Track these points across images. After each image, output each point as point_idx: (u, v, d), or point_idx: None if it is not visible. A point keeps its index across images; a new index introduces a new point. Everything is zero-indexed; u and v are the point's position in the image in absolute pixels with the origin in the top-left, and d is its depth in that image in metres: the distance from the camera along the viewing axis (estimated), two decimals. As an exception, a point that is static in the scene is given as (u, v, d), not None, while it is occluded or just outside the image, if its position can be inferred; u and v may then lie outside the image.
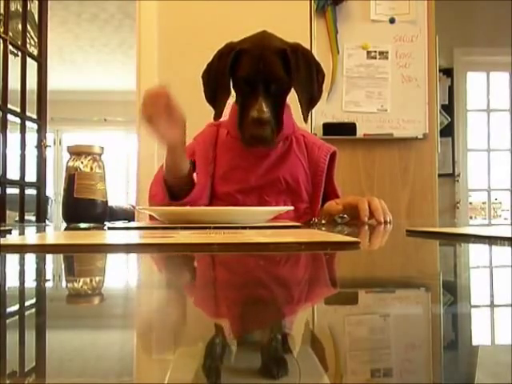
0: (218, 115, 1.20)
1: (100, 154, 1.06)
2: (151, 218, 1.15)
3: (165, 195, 1.14)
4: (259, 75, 1.11)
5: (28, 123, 3.17)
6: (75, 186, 1.01)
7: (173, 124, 1.05)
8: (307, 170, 1.25)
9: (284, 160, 1.23)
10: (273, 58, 1.13)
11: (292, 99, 1.29)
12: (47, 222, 4.35)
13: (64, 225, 1.03)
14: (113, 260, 0.47)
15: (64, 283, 0.36)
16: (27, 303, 0.29)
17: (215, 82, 1.19)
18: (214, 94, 1.20)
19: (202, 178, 1.20)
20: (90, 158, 1.03)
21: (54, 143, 6.75)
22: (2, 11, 2.88)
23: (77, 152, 1.04)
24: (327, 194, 1.27)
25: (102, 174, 1.04)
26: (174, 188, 1.15)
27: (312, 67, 1.20)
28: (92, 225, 0.98)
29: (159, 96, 1.03)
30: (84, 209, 1.01)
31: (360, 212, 1.06)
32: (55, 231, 0.99)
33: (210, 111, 1.26)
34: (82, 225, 0.99)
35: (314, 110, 2.30)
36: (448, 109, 3.97)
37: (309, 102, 1.19)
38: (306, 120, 1.18)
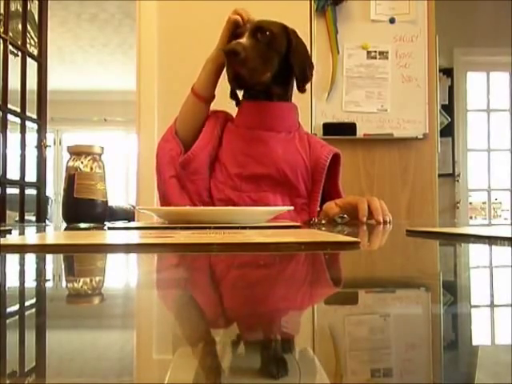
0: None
1: (100, 154, 1.06)
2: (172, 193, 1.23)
3: (180, 148, 1.25)
4: (247, 26, 1.20)
5: (28, 123, 3.17)
6: (75, 186, 1.01)
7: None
8: (308, 165, 1.26)
9: (284, 151, 1.24)
10: (268, 21, 1.23)
11: (297, 100, 1.31)
12: (47, 221, 4.35)
13: (64, 225, 1.03)
14: (113, 260, 0.47)
15: (64, 283, 0.36)
16: (27, 303, 0.29)
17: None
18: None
19: (204, 136, 1.26)
20: (89, 158, 1.03)
21: (54, 143, 6.75)
22: (1, 11, 2.88)
23: (77, 152, 1.04)
24: (331, 197, 1.27)
25: (102, 174, 1.04)
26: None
27: (307, 57, 1.28)
28: (92, 225, 0.98)
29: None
30: (84, 209, 1.01)
31: (359, 212, 1.06)
32: (55, 231, 0.99)
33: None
34: (82, 225, 0.99)
35: (313, 110, 2.30)
36: (448, 109, 3.96)
37: (303, 77, 1.25)
38: (303, 90, 1.25)
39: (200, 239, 0.57)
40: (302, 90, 1.24)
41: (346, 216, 1.11)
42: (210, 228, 0.74)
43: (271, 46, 1.19)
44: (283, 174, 1.22)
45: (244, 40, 1.14)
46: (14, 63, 2.97)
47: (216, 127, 1.28)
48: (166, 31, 2.28)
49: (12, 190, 3.06)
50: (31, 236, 0.81)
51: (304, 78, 1.24)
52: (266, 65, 1.17)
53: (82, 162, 1.02)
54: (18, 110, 3.07)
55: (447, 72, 3.98)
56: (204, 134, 1.26)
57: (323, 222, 1.15)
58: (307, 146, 1.27)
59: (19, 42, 3.02)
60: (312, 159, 1.26)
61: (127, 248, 0.54)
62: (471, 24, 3.93)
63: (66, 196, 1.02)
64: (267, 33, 1.18)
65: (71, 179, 1.01)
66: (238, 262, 0.46)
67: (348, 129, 2.31)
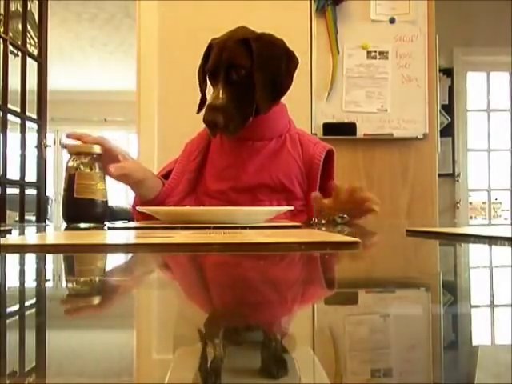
0: (198, 110, 1.24)
1: (100, 154, 1.06)
2: (143, 217, 1.16)
3: (138, 198, 1.22)
4: (220, 64, 1.14)
5: (28, 123, 3.17)
6: (75, 186, 1.01)
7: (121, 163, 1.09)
8: (302, 167, 1.25)
9: (277, 158, 1.23)
10: (234, 47, 1.15)
11: (289, 97, 1.30)
12: (47, 221, 4.35)
13: (64, 225, 1.03)
14: (113, 260, 0.47)
15: (64, 283, 0.36)
16: (27, 303, 0.28)
17: (199, 76, 1.26)
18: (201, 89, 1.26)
19: (175, 176, 1.24)
20: (89, 157, 1.03)
21: (54, 143, 6.75)
22: (2, 11, 2.88)
23: (77, 152, 1.04)
24: (328, 195, 1.27)
25: (101, 174, 1.04)
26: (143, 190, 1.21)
27: (280, 55, 1.18)
28: (92, 225, 0.98)
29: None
30: (84, 209, 1.01)
31: (364, 202, 1.09)
32: (55, 231, 0.98)
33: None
34: (82, 225, 0.98)
35: (313, 110, 2.31)
36: (448, 109, 3.96)
37: (268, 89, 1.15)
38: (263, 111, 1.15)
39: (200, 239, 0.57)
40: (261, 108, 1.14)
41: (346, 216, 1.11)
42: (210, 228, 0.74)
43: (248, 80, 1.14)
44: (278, 182, 1.22)
45: (219, 98, 1.10)
46: (14, 63, 2.97)
47: (192, 155, 1.26)
48: (166, 31, 2.28)
49: (12, 190, 3.06)
50: (31, 236, 0.81)
51: (278, 92, 1.17)
52: (245, 109, 1.15)
53: (81, 162, 1.02)
54: (18, 110, 3.07)
55: (447, 72, 3.97)
56: (179, 167, 1.25)
57: (323, 222, 1.15)
58: (299, 147, 1.26)
59: (19, 42, 3.01)
60: (305, 160, 1.25)
61: (127, 248, 0.54)
62: (471, 24, 3.93)
63: (65, 196, 1.02)
64: (245, 71, 1.13)
65: (71, 179, 1.01)
66: (237, 262, 0.46)
67: (348, 129, 2.31)
